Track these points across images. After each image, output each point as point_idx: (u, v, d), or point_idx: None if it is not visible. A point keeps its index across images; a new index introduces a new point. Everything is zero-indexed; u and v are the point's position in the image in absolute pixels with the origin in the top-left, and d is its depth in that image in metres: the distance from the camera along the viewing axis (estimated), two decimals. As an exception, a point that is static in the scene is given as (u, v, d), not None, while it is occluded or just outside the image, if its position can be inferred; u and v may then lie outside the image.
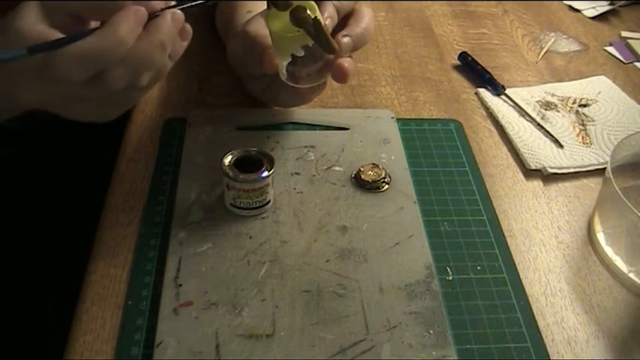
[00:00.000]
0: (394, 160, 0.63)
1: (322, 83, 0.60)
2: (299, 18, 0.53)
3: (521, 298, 0.53)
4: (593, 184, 0.65)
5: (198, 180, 0.59)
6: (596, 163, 0.66)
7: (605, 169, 0.58)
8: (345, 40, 0.56)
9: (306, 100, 0.63)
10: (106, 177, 0.60)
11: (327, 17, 0.56)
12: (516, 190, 0.64)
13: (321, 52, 0.56)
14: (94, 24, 0.46)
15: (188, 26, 0.48)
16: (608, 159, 0.59)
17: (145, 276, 0.52)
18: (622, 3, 0.94)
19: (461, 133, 0.69)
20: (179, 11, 0.46)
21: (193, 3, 0.49)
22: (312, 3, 0.55)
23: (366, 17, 0.60)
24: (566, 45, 0.86)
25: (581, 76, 0.80)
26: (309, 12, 0.53)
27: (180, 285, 0.51)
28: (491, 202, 0.62)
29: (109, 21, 0.43)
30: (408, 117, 0.71)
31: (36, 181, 0.76)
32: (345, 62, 0.56)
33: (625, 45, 0.87)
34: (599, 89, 0.77)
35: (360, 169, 0.61)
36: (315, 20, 0.53)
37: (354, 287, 0.52)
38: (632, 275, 0.56)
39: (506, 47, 0.85)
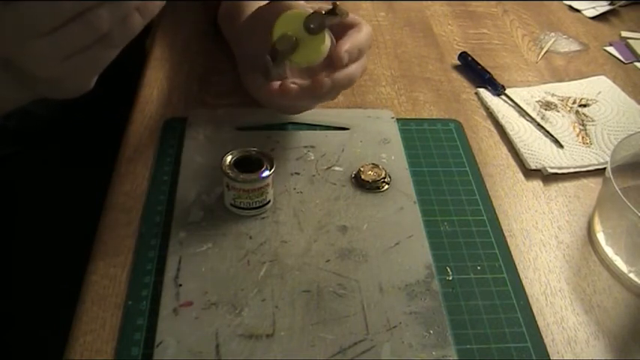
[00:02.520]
0: (394, 160, 0.63)
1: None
2: (276, 49, 0.54)
3: (521, 298, 0.53)
4: (593, 184, 0.65)
5: (198, 180, 0.59)
6: (596, 163, 0.66)
7: (605, 169, 0.58)
8: (325, 80, 0.56)
9: (292, 110, 0.64)
10: (106, 177, 0.60)
11: (345, 50, 0.56)
12: (516, 190, 0.64)
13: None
14: None
15: None
16: (608, 159, 0.59)
17: (145, 276, 0.52)
18: (622, 3, 0.94)
19: (461, 133, 0.69)
20: None
21: None
22: (327, 40, 0.55)
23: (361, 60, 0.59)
24: (566, 45, 0.86)
25: (581, 76, 0.80)
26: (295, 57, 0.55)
27: (180, 285, 0.51)
28: (491, 202, 0.62)
29: None
30: (408, 117, 0.71)
31: (36, 181, 0.76)
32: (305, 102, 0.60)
33: (625, 45, 0.87)
34: (599, 89, 0.77)
35: (360, 169, 0.61)
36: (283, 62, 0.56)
37: (354, 287, 0.52)
38: (632, 275, 0.56)
39: (506, 47, 0.85)
